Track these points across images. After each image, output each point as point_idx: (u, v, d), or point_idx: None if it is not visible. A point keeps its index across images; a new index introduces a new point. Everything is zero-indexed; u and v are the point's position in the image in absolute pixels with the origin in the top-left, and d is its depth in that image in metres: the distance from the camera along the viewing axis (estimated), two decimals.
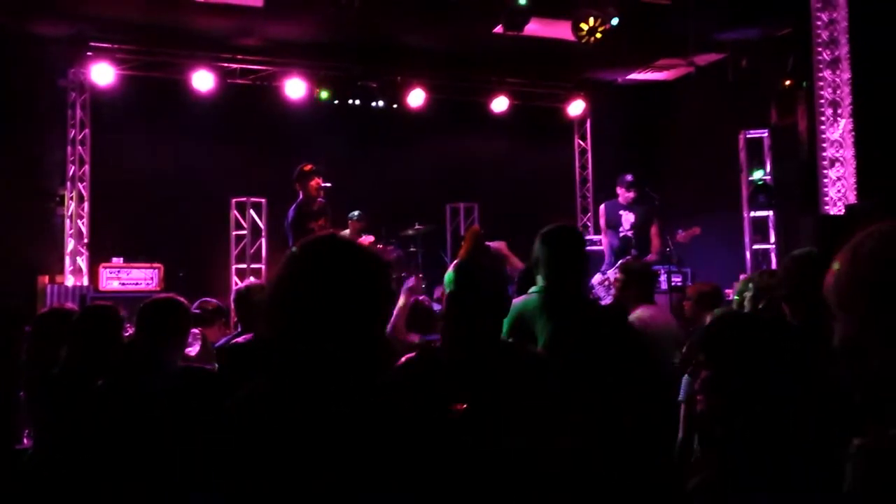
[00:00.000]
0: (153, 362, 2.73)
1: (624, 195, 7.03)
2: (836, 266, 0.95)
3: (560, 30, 8.14)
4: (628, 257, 6.62)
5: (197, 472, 1.40)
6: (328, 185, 7.19)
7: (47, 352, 2.82)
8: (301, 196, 7.01)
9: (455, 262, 2.11)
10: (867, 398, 0.93)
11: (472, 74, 10.41)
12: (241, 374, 2.01)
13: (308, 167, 7.03)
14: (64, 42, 8.95)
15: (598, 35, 7.50)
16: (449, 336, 2.16)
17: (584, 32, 7.50)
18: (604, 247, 7.27)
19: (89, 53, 8.93)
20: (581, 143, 11.62)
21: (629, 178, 7.04)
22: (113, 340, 2.74)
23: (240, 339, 3.39)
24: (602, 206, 7.36)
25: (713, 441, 2.26)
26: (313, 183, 6.93)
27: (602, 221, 7.25)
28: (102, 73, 8.90)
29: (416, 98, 10.07)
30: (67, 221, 9.05)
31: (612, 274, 6.47)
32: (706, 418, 2.16)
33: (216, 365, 3.62)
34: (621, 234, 6.97)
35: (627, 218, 6.97)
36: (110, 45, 9.02)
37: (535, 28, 7.94)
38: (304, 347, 1.35)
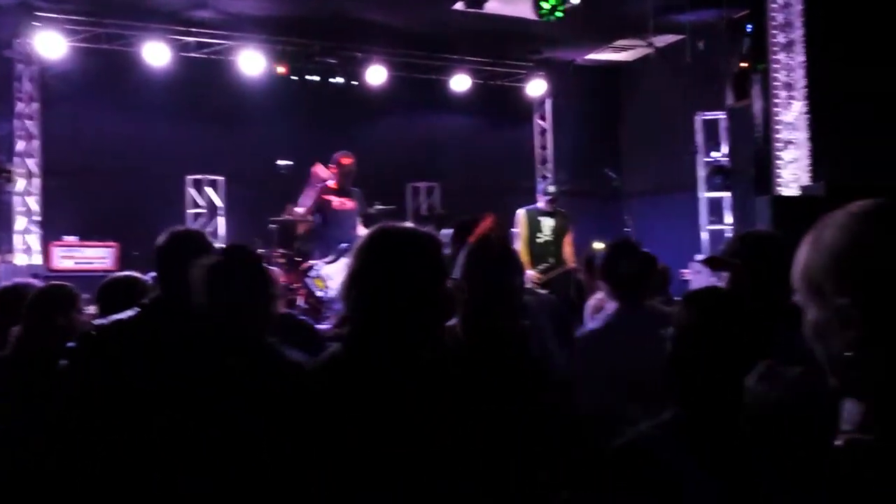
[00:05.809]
0: None
1: (546, 203, 6.98)
2: (801, 253, 0.97)
3: (520, 8, 8.13)
4: (548, 263, 6.67)
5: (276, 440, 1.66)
6: (289, 162, 7.11)
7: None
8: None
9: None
10: (841, 382, 0.96)
11: (432, 52, 10.33)
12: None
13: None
14: (8, 11, 8.63)
15: (559, 14, 7.52)
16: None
17: (544, 11, 7.50)
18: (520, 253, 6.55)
19: (36, 24, 8.62)
20: (541, 122, 11.65)
21: (553, 189, 6.98)
22: (69, 321, 2.68)
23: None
24: (521, 211, 6.97)
25: None
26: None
27: (521, 228, 6.88)
28: (51, 45, 8.61)
29: (377, 75, 9.96)
30: (16, 198, 8.78)
31: (530, 275, 6.43)
32: None
33: None
34: (541, 241, 6.91)
35: (548, 224, 6.95)
36: (58, 16, 8.71)
37: (495, 6, 7.92)
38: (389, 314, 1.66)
